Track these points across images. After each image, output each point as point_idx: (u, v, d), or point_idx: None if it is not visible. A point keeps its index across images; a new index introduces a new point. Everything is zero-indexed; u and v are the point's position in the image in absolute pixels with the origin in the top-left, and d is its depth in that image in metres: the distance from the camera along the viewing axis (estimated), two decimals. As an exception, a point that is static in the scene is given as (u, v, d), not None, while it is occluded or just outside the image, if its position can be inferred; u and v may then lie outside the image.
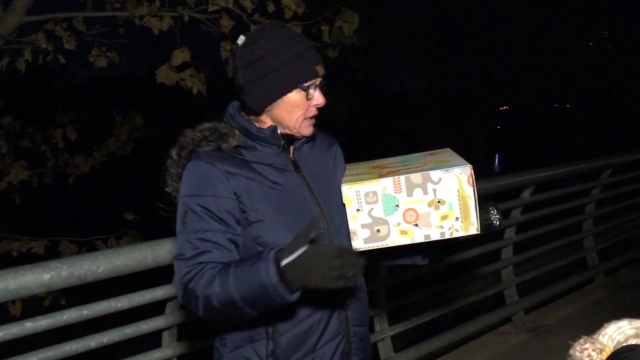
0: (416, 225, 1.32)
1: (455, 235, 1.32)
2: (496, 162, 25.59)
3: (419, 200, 1.31)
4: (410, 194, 1.31)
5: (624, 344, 0.92)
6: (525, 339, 3.63)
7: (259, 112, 1.41)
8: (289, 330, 1.37)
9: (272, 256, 1.17)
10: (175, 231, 1.36)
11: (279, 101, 1.37)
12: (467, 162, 1.33)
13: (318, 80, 1.38)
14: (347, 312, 1.44)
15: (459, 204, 1.31)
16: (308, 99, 1.37)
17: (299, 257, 1.14)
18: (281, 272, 1.15)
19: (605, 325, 0.98)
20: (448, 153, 1.50)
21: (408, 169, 1.37)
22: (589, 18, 17.73)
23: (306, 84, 1.35)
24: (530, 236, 4.01)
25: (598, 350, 0.93)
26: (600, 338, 0.96)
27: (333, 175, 1.50)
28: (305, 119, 1.40)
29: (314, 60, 1.36)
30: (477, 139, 20.53)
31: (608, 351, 0.93)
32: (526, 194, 3.84)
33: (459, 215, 1.31)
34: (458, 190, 1.30)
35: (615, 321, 0.97)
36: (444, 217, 1.31)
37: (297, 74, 1.34)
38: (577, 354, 0.95)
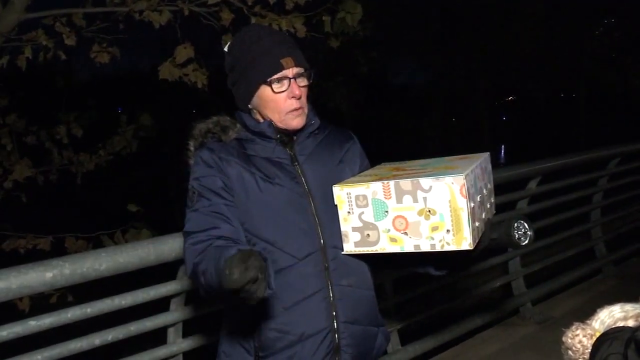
0: (405, 233, 1.27)
1: (447, 248, 1.24)
2: (502, 153, 25.50)
3: (409, 208, 1.26)
4: (399, 200, 1.26)
5: (613, 327, 0.93)
6: (533, 331, 3.60)
7: (245, 111, 1.49)
8: (273, 319, 1.40)
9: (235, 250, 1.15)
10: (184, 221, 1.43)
11: (255, 98, 1.44)
12: (463, 172, 1.23)
13: (289, 72, 1.41)
14: (337, 308, 1.42)
15: (451, 216, 1.22)
16: (275, 93, 1.41)
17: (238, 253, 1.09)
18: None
19: (599, 310, 0.98)
20: (474, 159, 1.41)
21: (415, 173, 1.31)
22: (595, 7, 17.57)
23: (269, 79, 1.40)
24: (537, 227, 3.98)
25: (589, 336, 0.94)
26: (593, 323, 0.97)
27: (338, 171, 1.50)
28: (288, 111, 1.43)
29: (280, 54, 1.40)
30: (482, 131, 20.45)
31: (598, 335, 0.93)
32: (532, 185, 3.80)
33: (450, 228, 1.23)
34: (450, 201, 1.22)
35: (609, 306, 0.98)
36: (434, 228, 1.24)
37: (259, 70, 1.41)
38: (569, 340, 0.96)
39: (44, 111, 5.97)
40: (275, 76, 1.40)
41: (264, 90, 1.41)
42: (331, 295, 1.42)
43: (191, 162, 1.47)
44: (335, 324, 1.42)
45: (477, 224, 1.29)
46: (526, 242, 1.41)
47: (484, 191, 1.42)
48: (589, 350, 0.93)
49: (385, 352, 2.24)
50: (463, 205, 1.22)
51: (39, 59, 3.84)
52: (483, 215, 1.37)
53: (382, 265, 1.52)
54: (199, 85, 3.85)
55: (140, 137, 5.70)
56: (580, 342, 0.94)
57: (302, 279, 1.40)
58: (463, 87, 20.31)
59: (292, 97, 1.41)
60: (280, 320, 1.40)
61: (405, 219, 1.26)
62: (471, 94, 20.51)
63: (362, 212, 1.30)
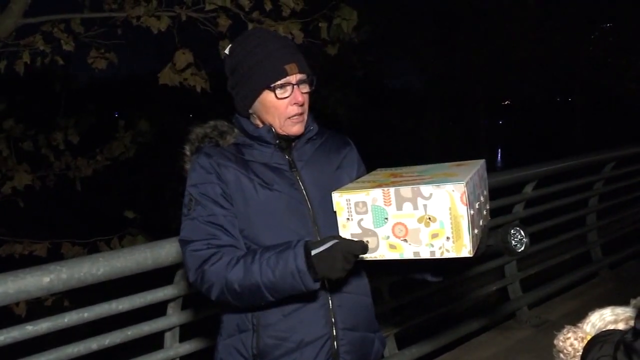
0: (405, 240, 1.26)
1: (446, 255, 1.24)
2: (498, 157, 25.55)
3: (409, 215, 1.25)
4: (399, 207, 1.26)
5: (604, 330, 0.94)
6: (529, 334, 3.61)
7: (245, 115, 1.48)
8: (272, 325, 1.40)
9: (302, 244, 1.26)
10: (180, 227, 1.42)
11: (256, 103, 1.43)
12: (464, 180, 1.24)
13: (293, 78, 1.40)
14: (336, 315, 1.42)
15: (451, 223, 1.22)
16: (278, 98, 1.40)
17: (328, 249, 1.24)
18: (309, 261, 1.23)
19: (590, 313, 0.99)
20: (471, 166, 1.42)
21: (414, 180, 1.31)
22: (591, 10, 17.65)
23: (273, 84, 1.39)
24: (533, 231, 3.98)
25: (580, 339, 0.95)
26: (584, 326, 0.97)
27: (336, 177, 1.50)
28: (289, 117, 1.42)
29: (284, 59, 1.39)
30: (478, 134, 20.49)
31: (589, 338, 0.94)
32: (528, 189, 3.82)
33: (450, 235, 1.23)
34: (450, 208, 1.22)
35: (600, 309, 0.99)
36: (434, 235, 1.24)
37: (263, 75, 1.39)
38: (561, 343, 0.96)
39: (41, 116, 5.96)
40: (279, 82, 1.38)
41: (267, 95, 1.40)
42: (330, 302, 1.42)
43: (187, 167, 1.46)
44: (334, 330, 1.42)
45: (476, 231, 1.29)
46: (522, 249, 1.42)
47: (481, 198, 1.42)
48: (580, 353, 0.93)
49: (382, 357, 2.25)
50: (463, 213, 1.22)
51: (36, 64, 3.84)
52: (480, 222, 1.38)
53: (378, 271, 1.52)
54: (198, 89, 3.85)
55: (138, 142, 5.69)
56: (571, 344, 0.95)
57: None
58: (460, 91, 20.36)
59: (295, 103, 1.40)
60: (279, 327, 1.39)
61: (405, 226, 1.26)
62: (468, 97, 20.56)
63: (362, 219, 1.29)
